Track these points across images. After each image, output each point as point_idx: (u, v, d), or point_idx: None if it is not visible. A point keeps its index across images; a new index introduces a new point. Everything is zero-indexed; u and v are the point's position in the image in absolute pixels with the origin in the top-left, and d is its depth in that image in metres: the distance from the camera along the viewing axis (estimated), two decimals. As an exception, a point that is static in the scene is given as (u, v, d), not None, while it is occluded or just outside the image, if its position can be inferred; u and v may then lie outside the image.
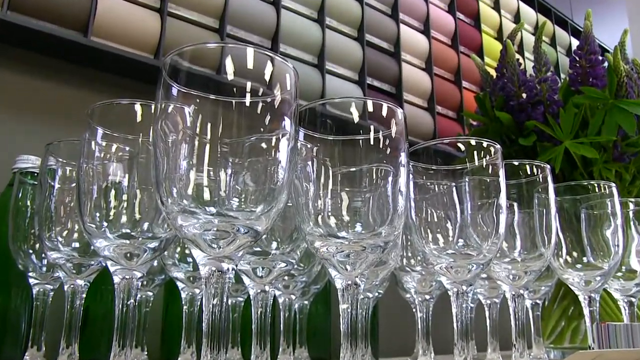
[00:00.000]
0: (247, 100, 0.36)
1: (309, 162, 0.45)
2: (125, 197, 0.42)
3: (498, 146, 0.49)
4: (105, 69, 0.93)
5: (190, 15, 1.03)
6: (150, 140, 0.43)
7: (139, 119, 0.44)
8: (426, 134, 1.38)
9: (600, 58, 0.97)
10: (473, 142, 0.49)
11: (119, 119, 0.44)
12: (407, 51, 1.42)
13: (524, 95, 1.03)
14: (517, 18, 1.86)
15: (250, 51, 0.35)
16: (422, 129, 1.37)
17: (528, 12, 1.93)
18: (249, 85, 0.36)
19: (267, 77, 0.36)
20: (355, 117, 0.44)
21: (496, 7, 1.80)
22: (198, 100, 0.35)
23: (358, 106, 0.43)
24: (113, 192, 0.42)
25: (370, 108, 0.43)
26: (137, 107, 0.41)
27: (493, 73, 1.12)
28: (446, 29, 1.56)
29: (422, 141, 1.33)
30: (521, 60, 1.74)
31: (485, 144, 0.49)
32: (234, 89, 0.36)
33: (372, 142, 0.44)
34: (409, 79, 1.38)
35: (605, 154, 0.93)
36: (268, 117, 0.37)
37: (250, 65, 0.36)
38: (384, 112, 0.43)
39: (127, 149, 0.45)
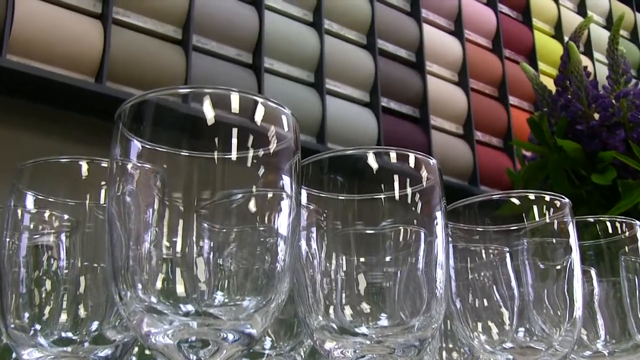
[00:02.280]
0: (233, 155, 0.36)
1: (314, 229, 0.46)
2: (65, 286, 0.42)
3: (566, 200, 0.50)
4: (28, 97, 0.95)
5: (144, 23, 1.05)
6: (101, 207, 0.44)
7: (84, 175, 0.44)
8: (462, 170, 1.39)
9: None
10: (532, 196, 0.49)
11: (57, 178, 0.44)
12: (434, 60, 1.44)
13: (596, 115, 1.05)
14: (581, 8, 1.90)
15: (234, 96, 0.36)
16: (458, 164, 1.38)
17: None
18: (234, 136, 0.36)
19: (257, 126, 0.37)
20: (374, 168, 0.44)
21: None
22: (167, 158, 0.36)
23: (377, 156, 0.44)
24: (48, 281, 0.42)
25: (393, 159, 0.43)
26: (83, 165, 0.42)
27: (551, 85, 1.13)
28: (485, 27, 1.59)
29: (456, 180, 1.37)
30: (590, 67, 1.78)
31: (548, 198, 0.49)
32: (215, 142, 0.36)
33: (397, 199, 0.44)
34: (436, 98, 1.40)
35: None
36: (261, 176, 0.37)
37: (235, 111, 0.36)
38: (412, 164, 0.44)
39: (67, 217, 0.45)
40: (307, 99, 1.19)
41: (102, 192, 0.44)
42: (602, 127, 1.03)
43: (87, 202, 0.45)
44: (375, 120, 1.27)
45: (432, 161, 0.44)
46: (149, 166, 0.37)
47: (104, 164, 0.43)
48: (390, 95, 1.33)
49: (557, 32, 1.78)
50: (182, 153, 0.36)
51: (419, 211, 0.43)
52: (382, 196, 0.43)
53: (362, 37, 1.35)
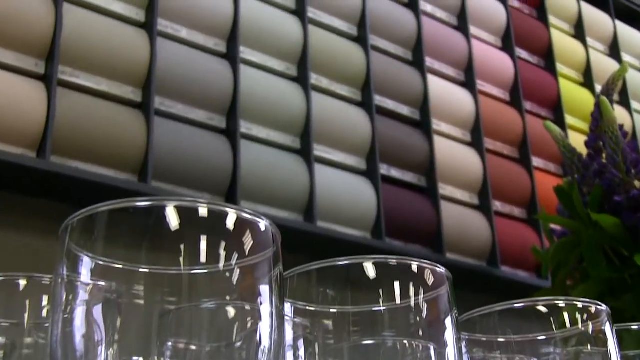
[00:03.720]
0: (202, 270, 0.37)
1: (301, 345, 0.46)
2: None
3: (603, 307, 0.50)
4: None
5: (97, 84, 1.06)
6: (43, 329, 0.44)
7: (21, 289, 0.45)
8: (480, 248, 1.39)
9: None
10: (561, 303, 0.50)
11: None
12: (441, 117, 1.46)
13: (638, 183, 1.06)
14: (614, 49, 1.93)
15: (203, 209, 0.37)
16: (474, 241, 1.39)
17: (633, 37, 2.00)
18: (202, 249, 0.37)
19: (229, 239, 0.38)
20: (371, 278, 0.45)
21: (578, 34, 1.87)
22: (124, 274, 0.36)
23: (376, 266, 0.45)
24: None
25: (394, 268, 0.44)
26: (21, 284, 0.42)
27: (581, 144, 1.14)
28: (502, 76, 1.62)
29: (472, 260, 1.37)
30: (627, 122, 1.81)
31: (580, 305, 0.50)
32: (180, 256, 0.37)
33: (399, 311, 0.45)
34: (446, 162, 1.41)
35: None
36: (235, 291, 0.38)
37: (203, 224, 0.37)
38: (416, 272, 0.45)
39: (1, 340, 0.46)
40: (292, 169, 1.20)
41: (44, 312, 0.45)
42: (645, 197, 1.03)
43: (26, 322, 0.45)
44: (373, 191, 1.27)
45: (440, 270, 0.46)
46: (103, 284, 0.38)
47: (46, 281, 0.43)
48: (390, 161, 1.34)
49: (587, 79, 1.81)
50: (140, 269, 0.37)
51: (425, 324, 0.44)
52: (382, 308, 0.44)
53: (357, 92, 1.36)
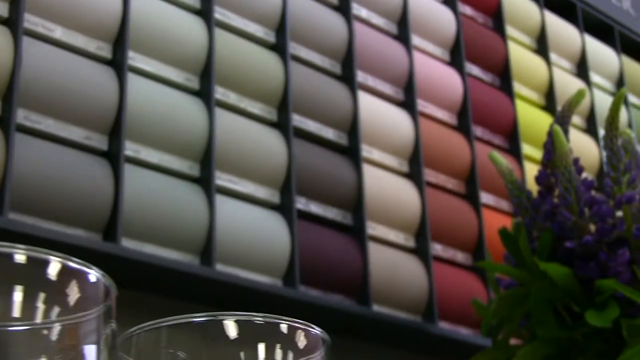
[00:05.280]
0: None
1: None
2: None
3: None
4: None
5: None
6: None
7: None
8: (415, 301, 1.40)
9: None
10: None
11: None
12: (379, 146, 1.47)
13: (592, 227, 1.07)
14: (581, 68, 1.97)
15: (20, 256, 0.38)
16: (408, 292, 1.39)
17: (604, 54, 2.04)
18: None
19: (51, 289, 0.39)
20: (232, 336, 0.46)
21: (541, 48, 1.90)
22: None
23: (239, 322, 0.46)
24: None
25: (261, 326, 0.46)
26: None
27: (532, 185, 1.16)
28: (446, 100, 1.63)
29: (406, 315, 1.37)
30: (594, 153, 1.84)
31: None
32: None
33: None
34: (376, 196, 1.42)
35: None
36: (58, 350, 0.40)
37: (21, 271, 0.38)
38: (285, 332, 0.47)
39: None
40: (188, 200, 1.19)
41: None
42: (600, 244, 1.05)
43: None
44: (287, 229, 1.27)
45: (314, 331, 0.49)
46: None
47: None
48: (309, 194, 1.34)
49: (549, 102, 1.84)
50: None
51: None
52: None
53: (272, 111, 1.36)
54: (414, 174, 1.50)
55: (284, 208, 1.31)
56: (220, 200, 1.23)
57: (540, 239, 1.09)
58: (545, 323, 1.06)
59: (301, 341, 0.47)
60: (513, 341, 1.16)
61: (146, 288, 1.16)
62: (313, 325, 0.47)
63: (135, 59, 1.23)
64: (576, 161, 1.09)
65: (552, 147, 1.12)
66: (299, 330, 0.47)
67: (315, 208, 1.35)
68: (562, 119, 1.16)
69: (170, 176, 1.21)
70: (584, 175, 1.12)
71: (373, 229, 1.40)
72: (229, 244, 1.22)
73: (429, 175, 1.53)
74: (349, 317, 1.30)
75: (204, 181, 1.23)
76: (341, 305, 1.29)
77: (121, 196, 1.11)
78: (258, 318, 0.46)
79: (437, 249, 1.48)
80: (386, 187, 1.45)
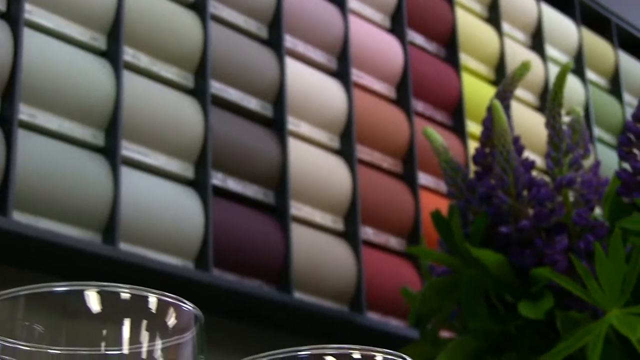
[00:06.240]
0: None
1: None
2: None
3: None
4: None
5: None
6: None
7: None
8: (342, 290, 1.41)
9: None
10: (356, 354, 0.50)
11: None
12: (299, 116, 1.47)
13: (530, 211, 1.08)
14: (536, 40, 1.98)
15: None
16: (335, 280, 1.40)
17: (561, 25, 2.05)
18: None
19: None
20: (94, 310, 0.45)
21: (492, 17, 1.91)
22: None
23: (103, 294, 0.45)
24: None
25: (126, 301, 0.46)
26: None
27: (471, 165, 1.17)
28: (385, 66, 1.63)
29: (332, 304, 1.38)
30: (541, 131, 1.83)
31: (380, 358, 0.50)
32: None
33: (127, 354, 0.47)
34: (300, 170, 1.42)
35: None
36: None
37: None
38: (153, 308, 0.46)
39: None
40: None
41: None
42: (538, 230, 1.06)
43: None
44: (201, 206, 1.27)
45: (187, 307, 0.47)
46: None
47: None
48: (227, 170, 1.34)
49: (499, 76, 1.85)
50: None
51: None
52: (103, 352, 0.45)
53: (189, 76, 1.36)
54: (345, 151, 1.51)
55: (198, 183, 1.31)
56: (126, 172, 1.23)
57: (474, 224, 1.10)
58: (476, 314, 1.08)
59: (171, 319, 0.47)
60: (445, 334, 1.17)
61: (41, 267, 1.16)
62: (185, 301, 0.47)
63: (33, 12, 1.22)
64: (516, 140, 1.10)
65: (491, 124, 1.13)
66: (170, 307, 0.47)
67: (233, 184, 1.35)
68: (504, 94, 1.17)
69: (71, 145, 1.20)
70: (526, 155, 1.13)
71: (298, 209, 1.41)
72: (135, 222, 1.22)
73: (362, 152, 1.54)
74: (268, 305, 1.31)
75: (109, 151, 1.23)
76: (259, 291, 1.30)
77: (13, 164, 1.11)
78: (125, 290, 0.46)
79: (368, 233, 1.49)
80: (314, 164, 1.45)
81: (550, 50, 2.00)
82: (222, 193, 1.34)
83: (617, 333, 0.93)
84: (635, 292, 0.96)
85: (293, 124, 1.45)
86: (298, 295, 1.36)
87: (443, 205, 1.51)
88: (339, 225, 1.46)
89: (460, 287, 1.09)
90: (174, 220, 1.25)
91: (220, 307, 1.30)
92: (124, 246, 1.19)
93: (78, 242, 1.14)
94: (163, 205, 1.25)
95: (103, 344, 0.45)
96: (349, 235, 1.46)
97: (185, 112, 1.32)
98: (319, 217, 1.44)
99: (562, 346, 0.97)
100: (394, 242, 1.52)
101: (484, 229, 1.10)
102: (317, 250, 1.40)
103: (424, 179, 1.61)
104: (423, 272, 1.31)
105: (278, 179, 1.39)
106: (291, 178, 1.40)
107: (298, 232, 1.39)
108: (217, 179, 1.32)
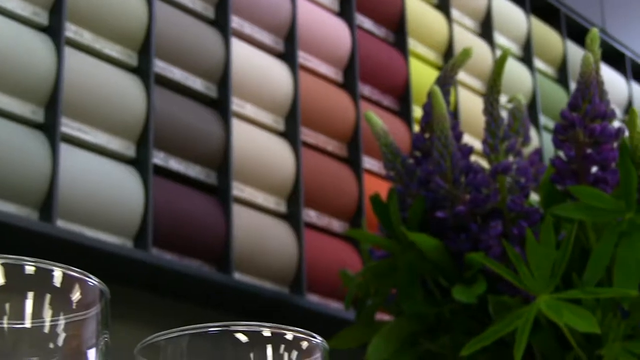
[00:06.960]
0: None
1: None
2: None
3: (318, 341, 0.52)
4: None
5: None
6: None
7: None
8: (281, 270, 1.41)
9: (616, 127, 1.04)
10: (267, 332, 0.51)
11: None
12: (243, 97, 1.47)
13: (467, 196, 1.09)
14: (486, 28, 1.99)
15: None
16: (273, 261, 1.40)
17: (511, 14, 2.06)
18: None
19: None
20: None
21: (442, 3, 1.91)
22: None
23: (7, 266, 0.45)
24: None
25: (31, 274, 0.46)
26: None
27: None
28: (332, 51, 1.63)
29: (271, 285, 1.38)
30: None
31: (290, 337, 0.51)
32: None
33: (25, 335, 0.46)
34: (243, 151, 1.42)
35: (624, 322, 0.98)
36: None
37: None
38: (58, 283, 0.46)
39: None
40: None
41: None
42: (473, 215, 1.06)
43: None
44: (141, 185, 1.26)
45: (91, 282, 0.47)
46: None
47: None
48: (169, 149, 1.34)
49: (447, 63, 1.84)
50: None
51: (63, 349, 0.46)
52: (7, 324, 0.45)
53: (132, 54, 1.35)
54: (290, 133, 1.51)
55: (139, 162, 1.30)
56: (65, 149, 1.22)
57: (412, 208, 1.10)
58: (411, 297, 1.08)
59: (76, 294, 0.46)
60: (383, 317, 1.17)
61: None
62: (91, 276, 0.47)
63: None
64: (455, 125, 1.11)
65: (431, 108, 1.13)
66: (75, 282, 0.46)
67: (175, 164, 1.35)
68: (445, 80, 1.17)
69: (8, 120, 1.19)
70: (470, 141, 1.13)
71: (240, 190, 1.40)
72: (74, 199, 1.21)
73: (307, 135, 1.54)
74: (208, 285, 1.31)
75: (48, 128, 1.21)
76: (199, 271, 1.30)
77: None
78: (29, 263, 0.46)
79: (310, 215, 1.49)
80: (257, 145, 1.45)
81: (499, 38, 2.01)
82: (164, 172, 1.33)
83: (547, 318, 0.94)
84: (565, 277, 0.96)
85: (237, 105, 1.45)
86: (238, 276, 1.35)
87: (387, 190, 1.52)
88: (282, 207, 1.46)
89: (397, 271, 1.10)
90: (113, 199, 1.24)
91: (160, 287, 1.29)
92: (61, 223, 1.18)
93: (14, 218, 1.13)
94: (103, 183, 1.24)
95: (5, 317, 0.45)
96: (291, 217, 1.46)
97: (127, 91, 1.31)
98: (261, 198, 1.43)
99: (492, 330, 0.97)
100: (336, 225, 1.52)
101: (422, 214, 1.10)
102: (259, 231, 1.40)
103: (368, 163, 1.61)
104: (363, 255, 1.32)
105: (221, 160, 1.39)
106: (234, 159, 1.39)
107: (240, 213, 1.38)
108: (159, 158, 1.32)
